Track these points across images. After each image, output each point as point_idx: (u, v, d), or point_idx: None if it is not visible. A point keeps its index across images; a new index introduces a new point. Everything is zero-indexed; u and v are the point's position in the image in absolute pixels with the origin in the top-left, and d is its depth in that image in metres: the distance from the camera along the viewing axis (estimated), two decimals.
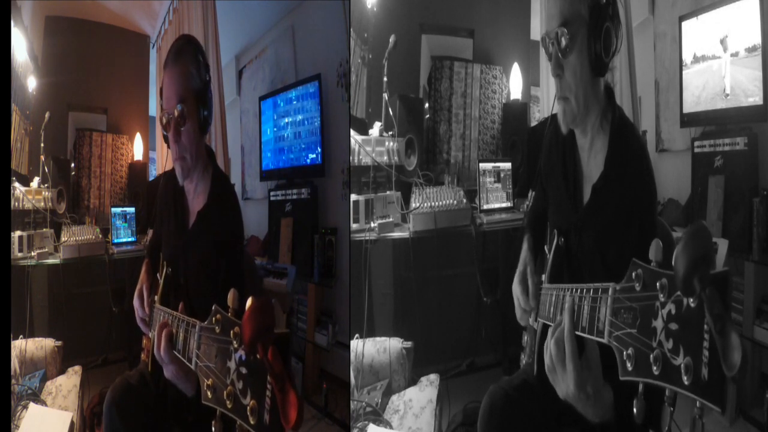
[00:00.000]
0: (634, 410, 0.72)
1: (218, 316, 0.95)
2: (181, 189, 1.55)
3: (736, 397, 0.57)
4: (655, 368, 0.66)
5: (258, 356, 0.78)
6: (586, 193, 1.28)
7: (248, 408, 0.80)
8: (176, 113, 1.42)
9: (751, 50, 2.36)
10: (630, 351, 0.72)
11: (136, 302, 1.57)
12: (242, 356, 0.84)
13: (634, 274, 0.75)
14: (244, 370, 0.83)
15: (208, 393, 0.91)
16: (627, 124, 1.26)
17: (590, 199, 1.25)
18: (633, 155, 1.21)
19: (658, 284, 0.68)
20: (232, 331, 0.88)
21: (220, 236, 1.43)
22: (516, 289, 1.46)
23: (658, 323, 0.67)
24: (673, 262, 0.62)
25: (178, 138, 1.44)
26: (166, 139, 1.49)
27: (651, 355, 0.67)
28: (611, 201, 1.19)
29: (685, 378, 0.60)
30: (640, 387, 0.70)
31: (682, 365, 0.61)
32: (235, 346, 0.86)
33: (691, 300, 0.61)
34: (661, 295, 0.67)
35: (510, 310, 1.51)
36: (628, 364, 0.71)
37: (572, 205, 1.31)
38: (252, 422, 0.79)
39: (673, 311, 0.64)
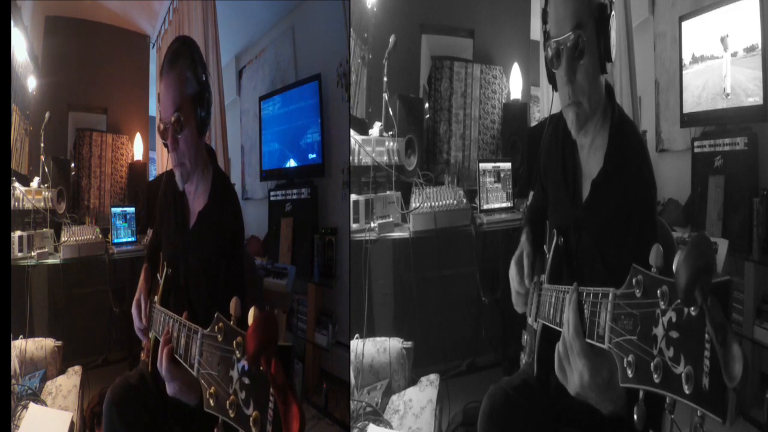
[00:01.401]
0: (635, 417, 0.71)
1: (220, 324, 0.94)
2: (181, 190, 1.55)
3: (736, 402, 0.57)
4: (655, 376, 0.65)
5: (261, 369, 0.78)
6: (585, 190, 1.28)
7: (251, 419, 0.79)
8: (173, 121, 1.42)
9: (751, 50, 2.36)
10: (630, 358, 0.71)
11: (134, 311, 1.57)
12: (245, 366, 0.83)
13: (634, 280, 0.74)
14: (246, 381, 0.83)
15: (211, 401, 0.91)
16: (626, 121, 1.26)
17: (590, 196, 1.24)
18: (632, 151, 1.21)
19: (658, 291, 0.67)
20: (234, 341, 0.87)
21: (221, 236, 1.43)
22: (512, 270, 1.46)
23: (659, 331, 0.66)
24: (674, 272, 0.62)
25: (176, 146, 1.44)
26: (166, 145, 1.49)
27: (652, 363, 0.66)
28: (611, 197, 1.19)
29: (686, 387, 0.60)
30: (641, 393, 0.70)
31: (683, 374, 0.61)
32: (238, 355, 0.86)
33: (692, 309, 0.61)
34: (662, 303, 0.67)
35: (510, 310, 1.51)
36: (629, 371, 0.71)
37: (572, 203, 1.31)
38: None
39: (674, 319, 0.64)
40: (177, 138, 1.43)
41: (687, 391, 0.60)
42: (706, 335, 0.58)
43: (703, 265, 0.58)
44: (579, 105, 1.23)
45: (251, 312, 0.81)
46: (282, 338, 2.64)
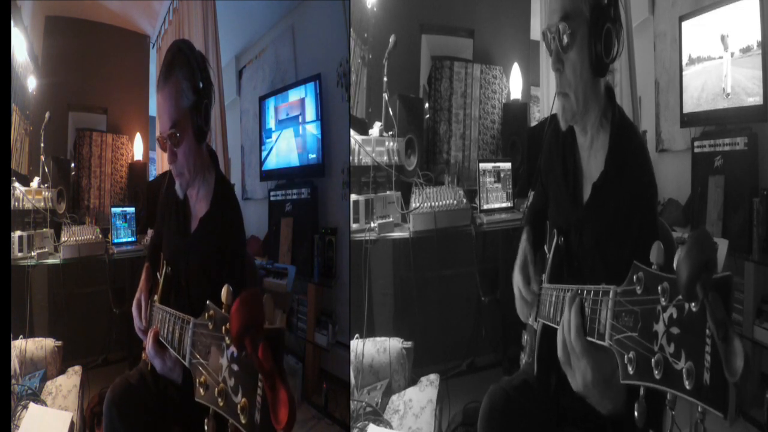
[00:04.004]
0: (636, 413, 0.71)
1: (211, 311, 0.93)
2: (182, 198, 1.55)
3: (737, 398, 0.57)
4: (656, 372, 0.65)
5: (249, 353, 0.75)
6: (586, 191, 1.28)
7: (239, 406, 0.78)
8: (168, 135, 1.42)
9: (752, 50, 2.36)
10: (631, 354, 0.71)
11: (134, 311, 1.58)
12: (234, 353, 0.82)
13: (635, 277, 0.74)
14: (235, 367, 0.81)
15: (201, 390, 0.90)
16: (627, 123, 1.26)
17: (590, 198, 1.25)
18: (633, 154, 1.21)
19: (659, 288, 0.67)
20: (224, 327, 0.86)
21: (222, 242, 1.43)
22: (517, 278, 1.44)
23: (660, 327, 0.66)
24: (675, 268, 0.62)
25: (174, 158, 1.45)
26: None
27: (652, 359, 0.66)
28: (611, 199, 1.19)
29: (687, 383, 0.60)
30: (642, 390, 0.70)
31: (684, 370, 0.60)
32: (227, 342, 0.84)
33: (693, 304, 0.61)
34: (663, 299, 0.67)
35: (510, 310, 1.51)
36: (630, 368, 0.71)
37: (572, 203, 1.31)
38: (243, 421, 0.77)
39: (675, 315, 0.64)
40: (175, 151, 1.44)
41: (688, 387, 0.60)
42: (707, 330, 0.58)
43: (704, 260, 0.58)
44: (565, 96, 1.24)
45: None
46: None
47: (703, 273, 0.58)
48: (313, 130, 2.70)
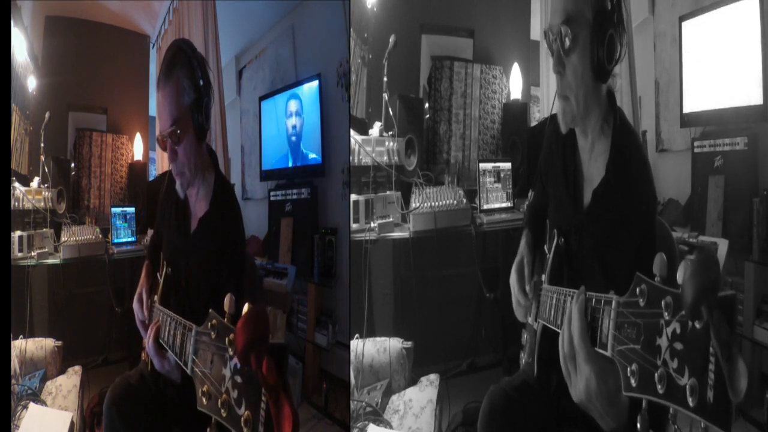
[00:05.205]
0: (638, 425, 0.71)
1: (214, 321, 0.93)
2: (183, 198, 1.55)
3: (735, 407, 0.56)
4: (659, 387, 0.65)
5: (252, 367, 0.76)
6: (586, 194, 1.27)
7: (242, 419, 0.78)
8: (170, 133, 1.42)
9: (752, 50, 2.36)
10: (634, 367, 0.71)
11: (135, 305, 1.58)
12: (237, 364, 0.81)
13: (638, 289, 0.73)
14: (239, 379, 0.81)
15: (204, 400, 0.90)
16: (629, 130, 1.25)
17: (591, 204, 1.24)
18: (634, 162, 1.20)
19: (663, 302, 0.67)
20: (227, 338, 0.86)
21: (222, 242, 1.43)
22: (513, 280, 1.46)
23: (663, 341, 0.66)
24: (680, 287, 0.61)
25: (175, 156, 1.45)
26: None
27: (656, 374, 0.66)
28: (612, 207, 1.18)
29: (690, 399, 0.59)
30: (644, 403, 0.70)
31: (688, 386, 0.60)
32: (231, 353, 0.84)
33: (697, 322, 0.60)
34: (666, 314, 0.66)
35: (510, 310, 1.51)
36: (632, 380, 0.71)
37: (572, 205, 1.30)
38: None
39: (678, 331, 0.63)
40: (175, 149, 1.44)
41: (691, 404, 0.59)
42: (711, 348, 0.57)
43: (709, 282, 0.58)
44: (566, 99, 1.23)
45: (245, 307, 0.79)
46: (281, 338, 2.64)
47: (709, 294, 0.58)
48: (313, 130, 2.70)
